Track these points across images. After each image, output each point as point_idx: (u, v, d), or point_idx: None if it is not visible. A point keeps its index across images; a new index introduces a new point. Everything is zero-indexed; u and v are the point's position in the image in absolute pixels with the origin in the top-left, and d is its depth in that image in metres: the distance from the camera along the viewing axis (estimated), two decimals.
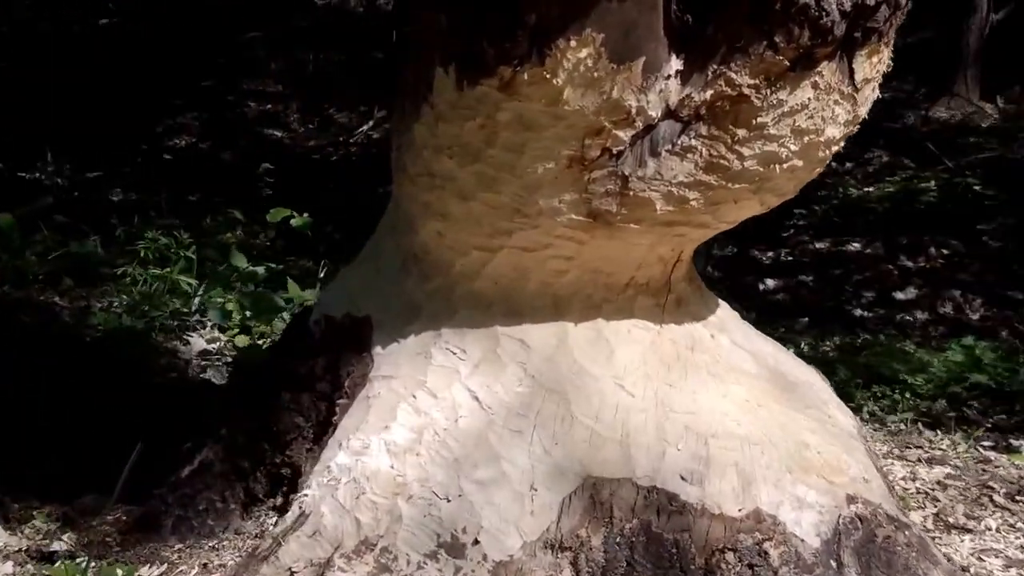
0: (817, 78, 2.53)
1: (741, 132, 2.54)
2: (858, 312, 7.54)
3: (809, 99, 2.55)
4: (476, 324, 2.83)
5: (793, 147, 2.59)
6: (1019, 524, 3.46)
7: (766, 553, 2.62)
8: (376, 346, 2.88)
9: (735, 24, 2.43)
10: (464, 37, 2.46)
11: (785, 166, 2.63)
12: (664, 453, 2.70)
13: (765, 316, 6.81)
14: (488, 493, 2.64)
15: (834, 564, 2.66)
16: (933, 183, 9.60)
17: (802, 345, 6.35)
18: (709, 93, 2.49)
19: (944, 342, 6.58)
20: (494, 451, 2.68)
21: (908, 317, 7.37)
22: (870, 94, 2.69)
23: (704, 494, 2.65)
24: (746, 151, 2.56)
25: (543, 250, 2.73)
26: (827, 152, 2.70)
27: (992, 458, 4.24)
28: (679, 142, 2.55)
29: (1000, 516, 3.52)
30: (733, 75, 2.47)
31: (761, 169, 2.60)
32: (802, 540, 2.65)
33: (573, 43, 2.38)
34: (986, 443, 4.47)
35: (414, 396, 2.77)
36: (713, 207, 2.66)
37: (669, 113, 2.52)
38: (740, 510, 2.66)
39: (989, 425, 4.92)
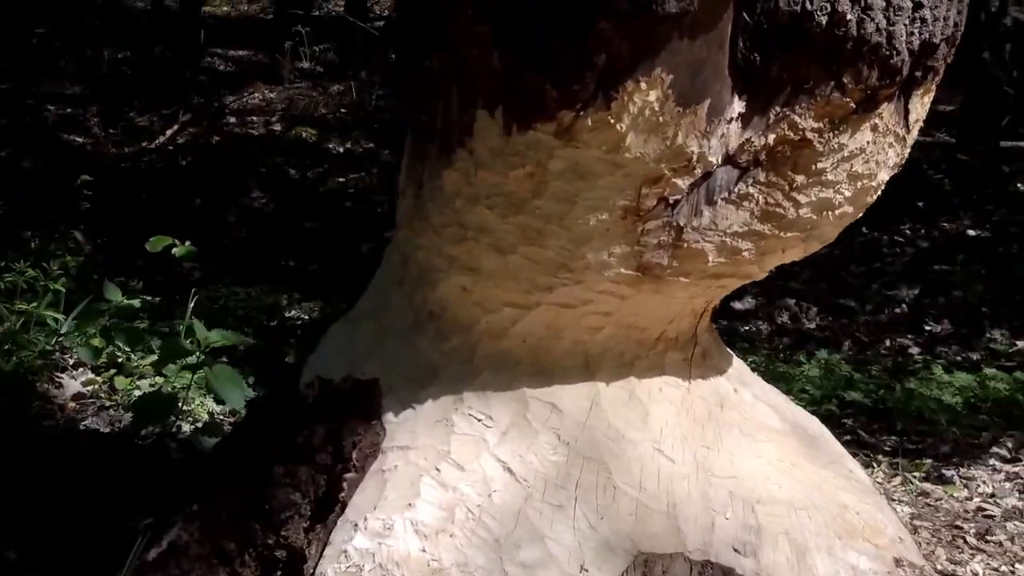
0: (877, 120, 2.39)
1: (800, 179, 2.37)
2: None
3: (868, 142, 2.41)
4: (501, 387, 2.58)
5: (847, 193, 2.45)
6: (1003, 567, 3.39)
7: None
8: (387, 412, 2.58)
9: (802, 64, 2.26)
10: (521, 78, 2.22)
11: (837, 212, 2.48)
12: (713, 523, 2.51)
13: None
14: None
15: None
16: None
17: None
18: (771, 137, 2.32)
19: (792, 354, 6.60)
20: (536, 529, 2.44)
21: (751, 328, 7.37)
22: (915, 135, 2.56)
23: (760, 567, 2.47)
24: (802, 198, 2.40)
25: (583, 306, 2.51)
26: (875, 197, 2.55)
27: (929, 490, 4.19)
28: (736, 190, 2.37)
29: (981, 560, 3.45)
30: (797, 118, 2.31)
31: (814, 217, 2.44)
32: None
33: (643, 85, 2.17)
34: (917, 475, 4.41)
35: (437, 469, 2.49)
36: (761, 257, 2.48)
37: (727, 159, 2.33)
38: None
39: (888, 449, 4.88)
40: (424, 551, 2.41)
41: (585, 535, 2.44)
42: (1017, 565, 3.43)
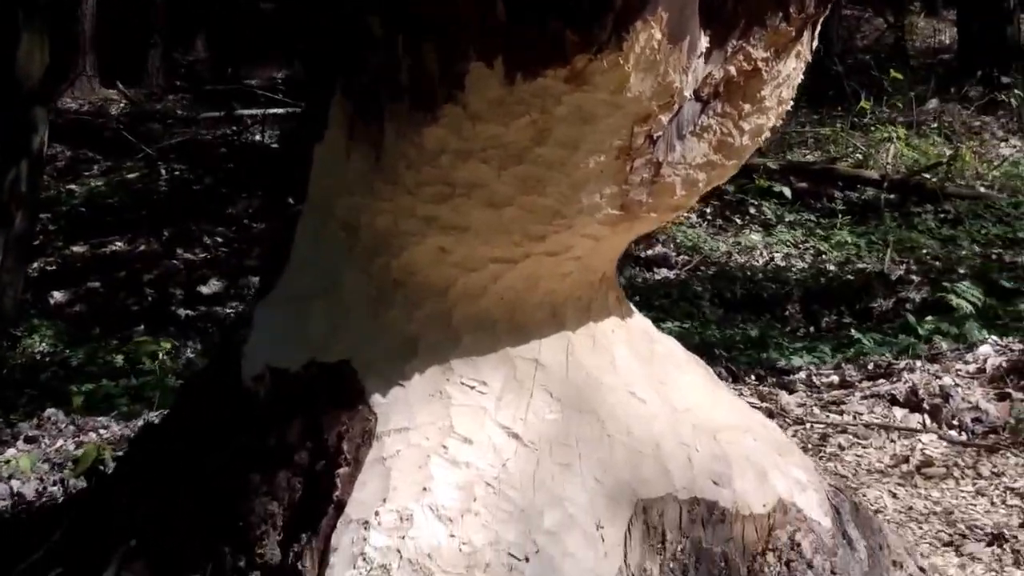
0: (800, 47, 2.53)
1: (747, 107, 2.48)
2: None
3: (793, 68, 2.54)
4: (485, 349, 2.51)
5: (773, 117, 2.57)
6: None
7: (799, 545, 2.59)
8: (373, 395, 2.44)
9: None
10: (534, 24, 2.16)
11: (762, 137, 2.60)
12: (690, 459, 2.58)
13: None
14: (562, 543, 2.37)
15: (845, 541, 2.68)
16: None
17: None
18: (730, 69, 2.40)
19: None
20: (553, 493, 2.40)
21: None
22: None
23: (735, 495, 2.57)
24: (746, 126, 2.51)
25: (564, 253, 2.48)
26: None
27: None
28: (699, 122, 2.44)
29: None
30: (751, 49, 2.41)
31: (749, 143, 2.55)
32: (818, 523, 2.65)
33: (651, 24, 2.19)
34: None
35: (444, 447, 2.39)
36: (705, 188, 2.57)
37: (693, 93, 2.40)
38: (765, 505, 2.60)
39: None
40: (453, 536, 2.31)
41: (594, 491, 2.44)
42: None
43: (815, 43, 2.62)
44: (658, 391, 2.65)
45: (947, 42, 16.53)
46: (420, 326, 2.52)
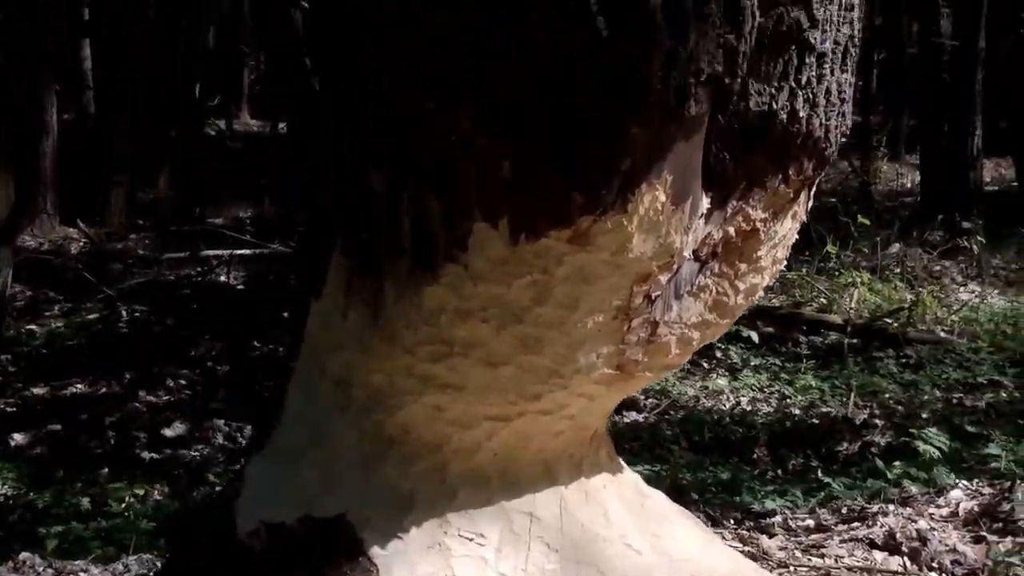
0: (797, 207, 2.57)
1: (743, 267, 2.51)
2: None
3: (788, 229, 2.58)
4: (480, 504, 2.51)
5: (767, 277, 2.60)
6: None
7: None
8: (372, 547, 2.42)
9: (759, 159, 2.40)
10: (539, 186, 2.19)
11: (756, 297, 2.63)
12: None
13: None
14: None
15: None
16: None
17: None
18: (728, 230, 2.43)
19: None
20: None
21: None
22: None
23: None
24: (741, 285, 2.54)
25: (559, 411, 2.48)
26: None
27: None
28: (696, 282, 2.46)
29: None
30: (751, 210, 2.45)
31: (744, 303, 2.58)
32: None
33: (656, 186, 2.22)
34: None
35: None
36: (697, 347, 2.59)
37: (692, 253, 2.43)
38: None
39: None
40: None
41: None
42: None
43: (810, 203, 2.67)
44: (653, 543, 2.65)
45: (909, 185, 16.88)
46: (415, 482, 2.51)
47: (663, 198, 2.23)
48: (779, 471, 7.02)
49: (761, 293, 2.65)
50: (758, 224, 2.45)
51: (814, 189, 2.65)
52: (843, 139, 2.58)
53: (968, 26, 14.52)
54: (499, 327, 2.32)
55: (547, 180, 2.18)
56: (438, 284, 2.32)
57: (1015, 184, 16.84)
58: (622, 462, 2.86)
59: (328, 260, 2.55)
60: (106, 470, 6.78)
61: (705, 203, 2.37)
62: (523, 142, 2.17)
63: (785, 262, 2.67)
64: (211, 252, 11.34)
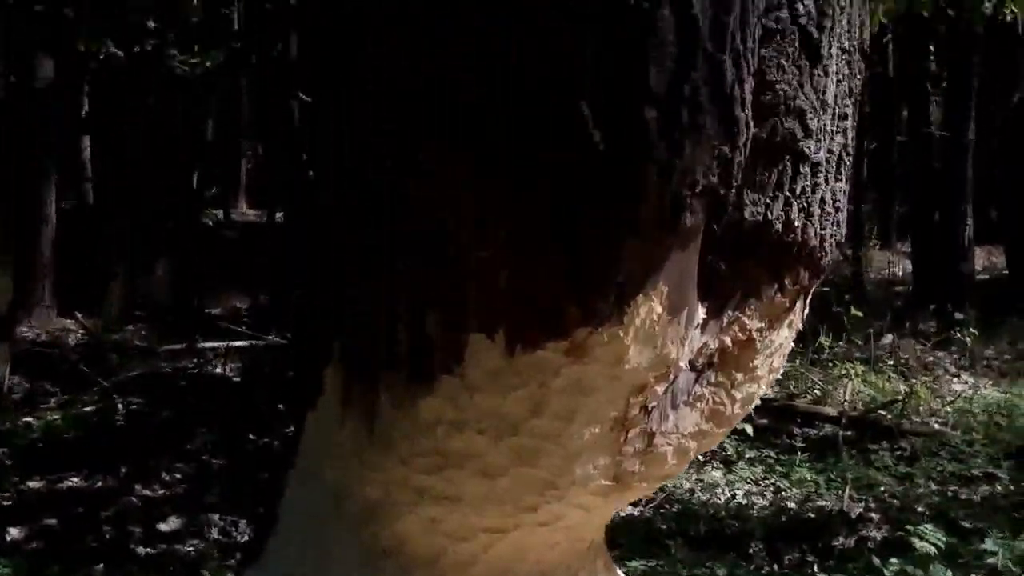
0: (793, 316, 2.58)
1: (739, 376, 2.51)
2: None
3: (785, 337, 2.59)
4: None
5: (764, 385, 2.61)
6: None
7: None
8: None
9: (754, 269, 2.41)
10: (536, 298, 2.20)
11: (752, 405, 2.63)
12: None
13: None
14: None
15: None
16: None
17: None
18: (724, 339, 2.44)
19: None
20: None
21: None
22: None
23: None
24: (738, 394, 2.53)
25: (556, 522, 2.47)
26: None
27: None
28: (692, 392, 2.46)
29: None
30: (746, 320, 2.45)
31: (740, 412, 2.58)
32: None
33: (652, 297, 2.23)
34: None
35: None
36: (693, 456, 2.58)
37: (688, 363, 2.43)
38: None
39: None
40: None
41: None
42: None
43: (806, 311, 2.69)
44: None
45: (900, 273, 16.93)
46: None
47: (659, 309, 2.23)
48: (775, 566, 7.00)
49: (757, 402, 2.66)
50: (754, 334, 2.46)
51: (809, 297, 2.67)
52: (837, 249, 2.61)
53: (958, 115, 14.66)
54: (495, 439, 2.32)
55: (542, 291, 2.19)
56: (434, 395, 2.32)
57: (1006, 272, 16.92)
58: (620, 572, 2.85)
59: (323, 369, 2.56)
60: (101, 565, 6.75)
61: (701, 313, 2.37)
62: (523, 254, 2.19)
63: (782, 370, 2.68)
64: (207, 344, 11.34)
